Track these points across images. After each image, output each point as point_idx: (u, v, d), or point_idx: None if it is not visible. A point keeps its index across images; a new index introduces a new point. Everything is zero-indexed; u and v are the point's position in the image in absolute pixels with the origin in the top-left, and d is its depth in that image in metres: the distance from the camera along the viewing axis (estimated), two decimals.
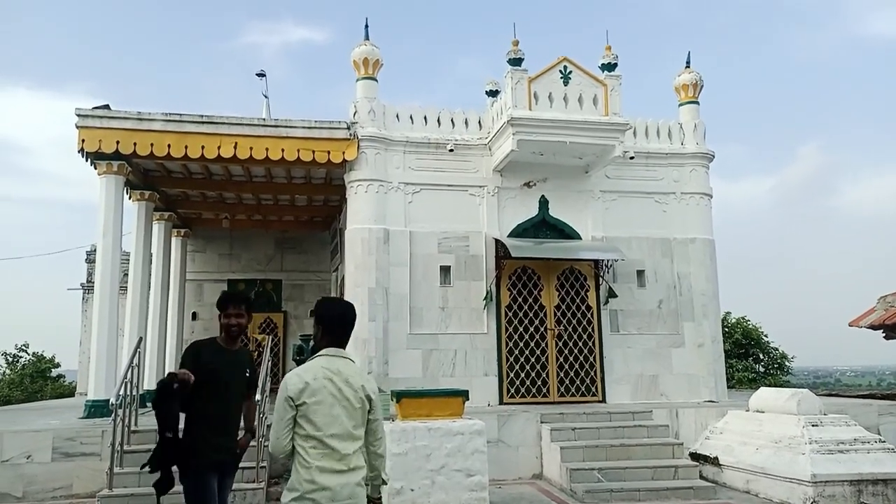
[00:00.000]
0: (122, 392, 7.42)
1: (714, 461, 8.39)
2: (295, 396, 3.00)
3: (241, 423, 4.38)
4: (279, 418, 3.00)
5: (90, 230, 10.78)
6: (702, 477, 8.23)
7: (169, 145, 9.79)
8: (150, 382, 12.01)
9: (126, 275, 11.94)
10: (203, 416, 4.05)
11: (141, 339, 9.30)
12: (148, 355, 12.01)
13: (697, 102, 11.43)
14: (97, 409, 9.21)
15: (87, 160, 10.04)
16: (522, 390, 10.20)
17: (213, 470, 4.05)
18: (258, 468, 7.43)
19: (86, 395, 10.48)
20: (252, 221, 15.34)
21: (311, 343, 8.21)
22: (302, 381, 3.02)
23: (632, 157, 10.50)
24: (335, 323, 3.20)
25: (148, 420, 9.02)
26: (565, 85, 9.80)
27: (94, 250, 10.77)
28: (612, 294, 10.59)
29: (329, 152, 10.09)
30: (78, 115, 9.68)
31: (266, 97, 15.19)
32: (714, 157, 11.33)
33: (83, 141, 9.63)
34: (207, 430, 4.05)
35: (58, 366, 26.41)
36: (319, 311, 3.24)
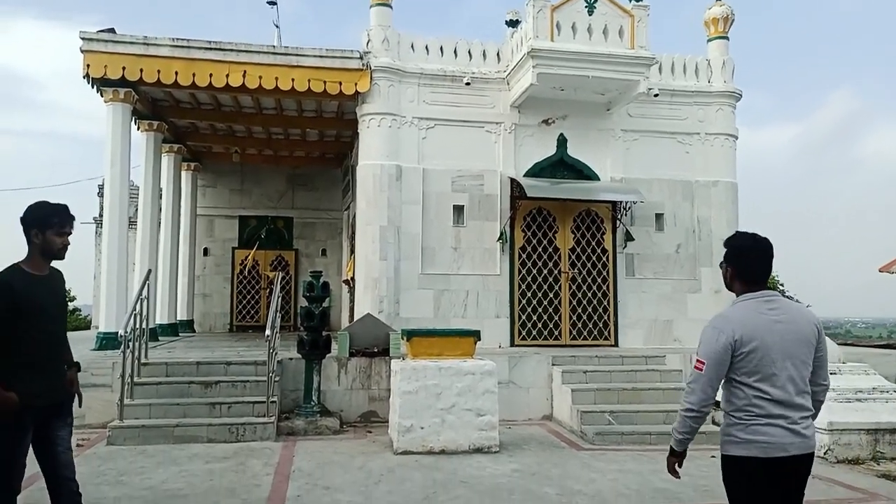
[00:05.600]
0: (131, 324, 7.36)
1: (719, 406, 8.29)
2: None
3: None
4: None
5: (101, 164, 10.68)
6: (714, 423, 8.14)
7: (176, 72, 9.49)
8: (160, 316, 12.05)
9: (137, 209, 11.82)
10: (26, 359, 3.33)
11: (150, 270, 9.22)
12: (159, 289, 11.99)
13: (727, 38, 10.87)
14: (108, 341, 9.21)
15: (92, 86, 9.76)
16: (534, 333, 10.10)
17: (32, 420, 3.34)
18: (268, 402, 7.41)
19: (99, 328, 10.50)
20: (263, 157, 15.08)
21: (321, 280, 8.14)
22: None
23: (656, 95, 10.04)
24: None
25: (158, 353, 9.04)
26: (590, 14, 9.27)
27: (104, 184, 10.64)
28: (629, 237, 10.34)
29: (341, 83, 9.73)
30: (82, 39, 9.36)
31: (277, 27, 14.73)
32: (742, 96, 10.86)
33: (88, 66, 9.35)
34: (32, 374, 3.33)
35: (73, 299, 26.73)
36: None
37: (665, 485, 5.82)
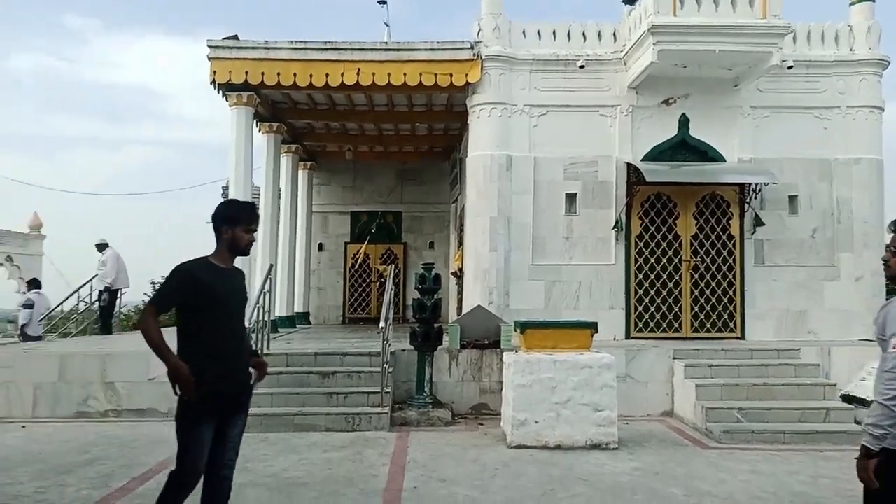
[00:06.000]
0: (254, 317, 7.66)
1: (870, 405, 7.48)
2: None
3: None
4: None
5: (225, 166, 11.44)
6: (856, 421, 7.38)
7: (295, 74, 9.84)
8: (280, 308, 12.57)
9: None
10: (211, 351, 3.37)
11: (271, 265, 9.60)
12: (278, 283, 12.51)
13: (873, 0, 9.84)
14: None
15: (218, 92, 10.31)
16: (651, 325, 9.66)
17: (214, 413, 3.37)
18: (382, 393, 7.49)
19: None
20: (374, 153, 15.40)
21: (433, 272, 8.13)
22: None
23: (790, 67, 9.27)
24: None
25: (278, 344, 9.40)
26: None
27: (228, 185, 11.25)
28: (758, 222, 9.63)
29: (451, 75, 9.72)
30: (209, 47, 9.91)
31: (387, 25, 14.95)
32: (889, 63, 9.82)
33: (214, 72, 9.88)
34: (216, 366, 3.36)
35: None
36: None
37: (804, 488, 5.34)
